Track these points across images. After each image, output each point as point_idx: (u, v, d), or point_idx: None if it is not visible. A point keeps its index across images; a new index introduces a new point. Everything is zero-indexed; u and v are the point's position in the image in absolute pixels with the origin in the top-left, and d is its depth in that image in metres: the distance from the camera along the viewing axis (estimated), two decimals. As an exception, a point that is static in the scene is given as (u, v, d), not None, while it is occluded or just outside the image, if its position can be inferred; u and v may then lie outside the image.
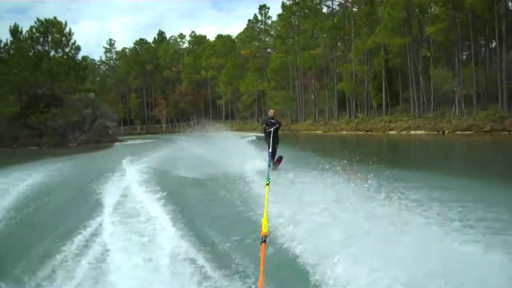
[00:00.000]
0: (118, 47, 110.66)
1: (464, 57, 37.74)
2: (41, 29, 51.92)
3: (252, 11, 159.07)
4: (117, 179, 12.21)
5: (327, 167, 9.41)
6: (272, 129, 11.69)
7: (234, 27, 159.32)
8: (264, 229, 3.22)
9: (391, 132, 37.07)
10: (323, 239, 4.82)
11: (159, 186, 9.96)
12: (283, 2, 56.87)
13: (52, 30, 52.00)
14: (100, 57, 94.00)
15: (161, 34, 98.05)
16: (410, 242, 4.40)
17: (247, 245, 5.22)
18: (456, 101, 34.25)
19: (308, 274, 4.22)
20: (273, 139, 11.50)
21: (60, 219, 7.51)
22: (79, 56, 54.56)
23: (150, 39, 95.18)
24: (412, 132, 34.88)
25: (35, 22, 52.47)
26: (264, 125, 12.11)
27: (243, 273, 4.41)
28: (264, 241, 3.00)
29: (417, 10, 36.46)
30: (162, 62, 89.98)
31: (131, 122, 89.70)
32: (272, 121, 12.08)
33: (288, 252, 4.86)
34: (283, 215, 6.02)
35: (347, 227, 5.02)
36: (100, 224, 6.62)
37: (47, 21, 52.45)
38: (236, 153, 14.12)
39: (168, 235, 5.87)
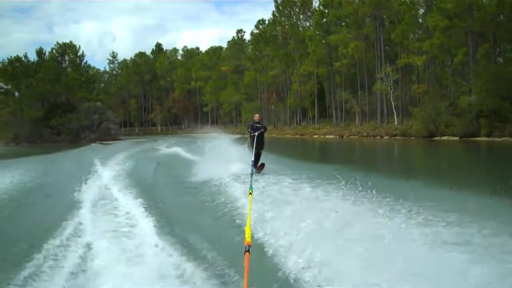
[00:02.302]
0: (120, 48, 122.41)
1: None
2: (60, 51, 66.49)
3: (252, 15, 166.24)
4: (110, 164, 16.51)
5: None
6: (256, 133, 11.95)
7: (235, 31, 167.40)
8: (248, 238, 3.22)
9: (315, 136, 51.16)
10: (309, 244, 4.79)
11: (140, 187, 10.60)
12: (252, 31, 71.44)
13: (69, 52, 66.54)
14: (105, 67, 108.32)
15: (158, 45, 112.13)
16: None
17: (230, 254, 4.95)
18: (356, 115, 48.49)
19: (293, 284, 4.14)
20: (257, 143, 11.80)
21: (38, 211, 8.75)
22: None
23: (152, 40, 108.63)
24: (327, 136, 48.94)
25: (55, 45, 67.03)
26: (249, 130, 12.34)
27: (227, 283, 4.26)
28: (248, 251, 2.99)
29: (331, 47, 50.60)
30: (159, 73, 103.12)
31: (131, 124, 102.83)
32: (258, 125, 12.32)
33: (273, 260, 4.75)
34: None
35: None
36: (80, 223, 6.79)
37: (64, 44, 67.06)
38: (219, 152, 14.49)
39: (147, 241, 5.66)
